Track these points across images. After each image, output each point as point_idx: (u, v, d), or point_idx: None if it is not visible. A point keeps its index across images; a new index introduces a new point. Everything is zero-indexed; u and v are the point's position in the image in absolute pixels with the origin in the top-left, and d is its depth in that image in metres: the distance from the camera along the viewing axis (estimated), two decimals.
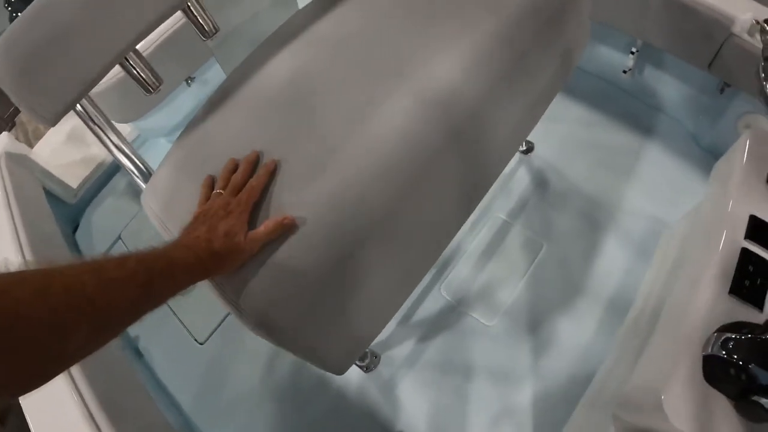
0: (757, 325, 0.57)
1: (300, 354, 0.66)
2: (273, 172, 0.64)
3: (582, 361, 1.13)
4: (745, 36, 1.03)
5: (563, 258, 1.27)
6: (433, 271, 1.29)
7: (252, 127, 0.72)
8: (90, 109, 0.77)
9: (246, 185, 0.62)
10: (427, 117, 0.67)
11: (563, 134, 1.46)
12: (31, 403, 0.80)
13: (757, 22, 1.02)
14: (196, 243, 0.54)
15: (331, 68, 0.75)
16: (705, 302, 0.61)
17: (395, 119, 0.67)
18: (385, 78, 0.71)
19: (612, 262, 1.24)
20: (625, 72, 1.41)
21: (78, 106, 0.75)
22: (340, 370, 0.72)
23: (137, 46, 0.78)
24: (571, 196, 1.35)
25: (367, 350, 1.18)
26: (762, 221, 0.66)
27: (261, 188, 0.62)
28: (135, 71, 0.80)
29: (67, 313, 0.38)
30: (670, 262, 1.01)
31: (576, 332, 1.16)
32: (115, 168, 1.73)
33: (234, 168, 0.65)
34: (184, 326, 1.37)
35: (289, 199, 0.62)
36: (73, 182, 1.68)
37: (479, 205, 0.85)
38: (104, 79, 0.80)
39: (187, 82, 1.62)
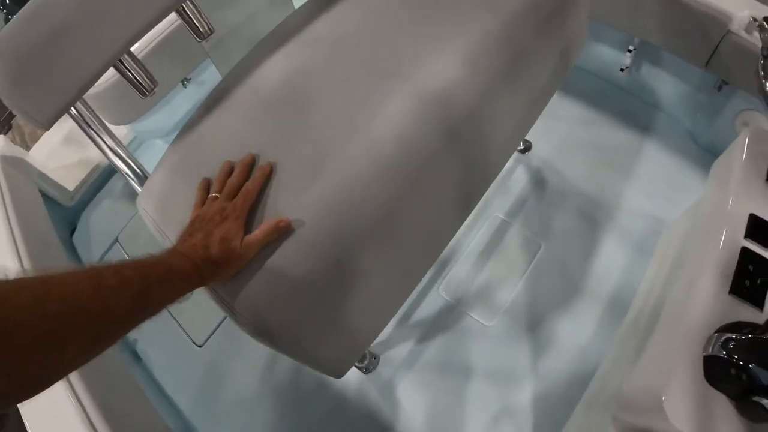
0: (757, 325, 0.56)
1: (298, 358, 0.66)
2: (269, 175, 0.63)
3: (581, 360, 1.13)
4: (743, 33, 1.03)
5: (562, 257, 1.26)
6: (431, 271, 1.29)
7: (248, 129, 0.71)
8: (85, 112, 0.76)
9: (242, 188, 0.62)
10: (425, 117, 0.67)
11: (561, 133, 1.45)
12: (28, 406, 0.80)
13: (755, 20, 1.01)
14: (193, 250, 0.54)
15: (327, 69, 0.75)
16: (705, 302, 0.60)
17: (393, 119, 0.66)
18: (382, 78, 0.70)
19: (611, 261, 1.24)
20: (622, 70, 1.41)
21: (73, 109, 0.75)
22: (340, 374, 0.71)
23: (132, 48, 0.78)
24: (569, 195, 1.35)
25: (366, 351, 1.18)
26: (762, 220, 0.66)
27: (257, 191, 0.62)
28: (130, 73, 0.79)
29: (64, 321, 0.38)
30: (669, 262, 1.01)
31: (575, 332, 1.16)
32: (112, 170, 1.72)
33: (230, 171, 0.65)
34: (182, 329, 1.37)
35: (285, 202, 0.62)
36: (70, 185, 1.67)
37: (477, 204, 0.85)
38: (100, 81, 0.79)
39: (183, 84, 1.62)
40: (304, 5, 0.87)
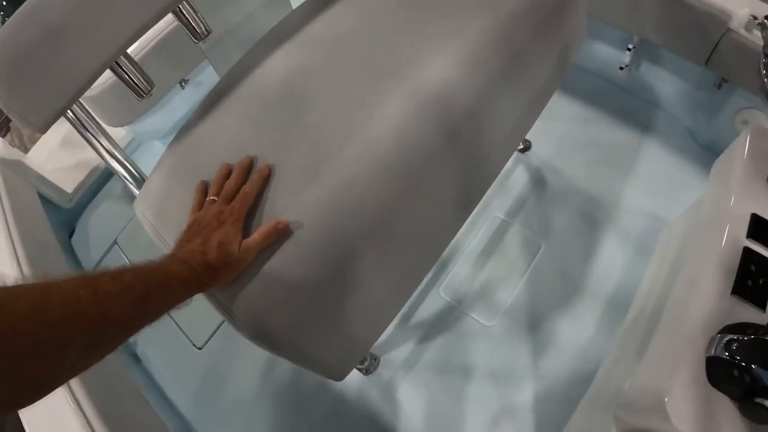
0: (760, 326, 0.56)
1: (298, 362, 0.65)
2: (267, 178, 0.63)
3: (582, 360, 1.13)
4: (743, 31, 1.03)
5: (562, 257, 1.26)
6: (431, 271, 1.28)
7: (246, 130, 0.71)
8: (81, 114, 0.76)
9: (239, 191, 0.61)
10: (425, 117, 0.67)
11: (560, 132, 1.45)
12: (27, 409, 0.79)
13: (755, 18, 1.01)
14: (191, 256, 0.54)
15: (325, 69, 0.74)
16: (707, 303, 0.60)
17: (392, 120, 0.66)
18: (381, 78, 0.70)
19: (611, 260, 1.23)
20: (621, 68, 1.40)
21: (69, 112, 0.74)
22: (340, 377, 0.71)
23: (129, 50, 0.77)
24: (569, 195, 1.35)
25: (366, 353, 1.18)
26: (764, 220, 0.66)
27: (254, 194, 0.61)
28: (126, 75, 0.79)
29: (63, 328, 0.38)
30: (669, 261, 1.00)
31: (576, 332, 1.16)
32: (111, 172, 1.71)
33: (227, 173, 0.64)
34: (182, 331, 1.36)
35: (284, 204, 0.61)
36: (69, 187, 1.67)
37: (477, 204, 0.84)
38: (98, 83, 0.79)
39: (181, 85, 1.61)
40: (302, 5, 0.87)
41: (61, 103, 0.70)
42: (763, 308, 0.60)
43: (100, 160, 1.53)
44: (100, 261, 1.58)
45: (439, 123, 0.67)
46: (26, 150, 1.77)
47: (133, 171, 0.82)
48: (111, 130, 1.59)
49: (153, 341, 1.39)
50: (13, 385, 0.35)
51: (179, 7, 0.83)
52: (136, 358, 1.39)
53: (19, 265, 1.10)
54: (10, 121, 1.96)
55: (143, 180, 0.81)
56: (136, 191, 0.80)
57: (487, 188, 0.83)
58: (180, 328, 1.37)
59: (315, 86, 0.72)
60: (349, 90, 0.70)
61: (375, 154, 0.64)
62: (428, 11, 0.76)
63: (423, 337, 1.21)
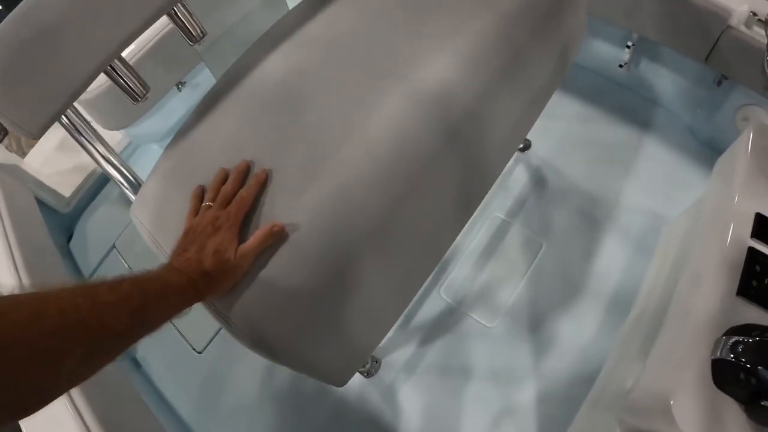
0: (766, 327, 0.55)
1: (298, 368, 0.64)
2: (264, 182, 0.62)
3: (583, 360, 1.12)
4: (743, 28, 1.02)
5: (563, 257, 1.25)
6: (432, 273, 1.28)
7: (242, 132, 0.70)
8: (76, 119, 0.75)
9: (236, 196, 0.60)
10: (424, 117, 0.66)
11: (560, 131, 1.44)
12: None
13: (754, 14, 1.00)
14: (188, 265, 0.53)
15: (323, 69, 0.73)
16: (712, 304, 0.59)
17: (391, 120, 0.65)
18: (379, 78, 0.69)
19: (611, 259, 1.23)
20: (621, 66, 1.40)
21: (63, 117, 0.73)
22: (341, 382, 0.70)
23: (124, 53, 0.76)
24: (569, 194, 1.34)
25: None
26: None
27: (251, 199, 0.60)
28: (121, 79, 0.78)
29: (61, 337, 0.38)
30: (671, 260, 1.00)
31: (577, 331, 1.15)
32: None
33: (224, 178, 0.63)
34: (182, 335, 1.35)
35: (281, 207, 0.60)
36: (66, 191, 1.66)
37: None
38: (93, 87, 0.78)
39: (178, 87, 1.60)
40: (298, 6, 0.86)
41: (55, 107, 0.69)
42: None
43: None
44: (98, 265, 1.57)
45: (439, 123, 0.67)
46: (24, 154, 1.76)
47: (129, 176, 0.81)
48: (107, 134, 1.59)
49: (153, 346, 1.38)
50: (12, 394, 0.35)
51: (174, 10, 0.82)
52: (136, 363, 1.38)
53: (16, 270, 1.09)
54: None
55: (139, 185, 0.80)
56: (132, 196, 0.79)
57: (488, 189, 0.82)
58: (180, 332, 1.36)
59: (312, 86, 0.72)
60: (347, 90, 0.70)
61: (374, 154, 0.63)
62: (426, 11, 0.76)
63: (424, 338, 1.20)
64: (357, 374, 1.18)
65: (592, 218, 1.29)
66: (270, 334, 0.57)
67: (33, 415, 0.37)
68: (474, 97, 0.69)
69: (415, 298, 1.24)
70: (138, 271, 0.49)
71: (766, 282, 0.60)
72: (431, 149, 0.66)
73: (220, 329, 1.34)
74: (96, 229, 1.66)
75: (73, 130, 0.76)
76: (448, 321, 1.21)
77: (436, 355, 1.18)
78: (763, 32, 0.99)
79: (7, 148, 1.77)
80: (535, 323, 1.18)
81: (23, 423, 0.78)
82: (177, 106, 1.65)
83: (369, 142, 0.64)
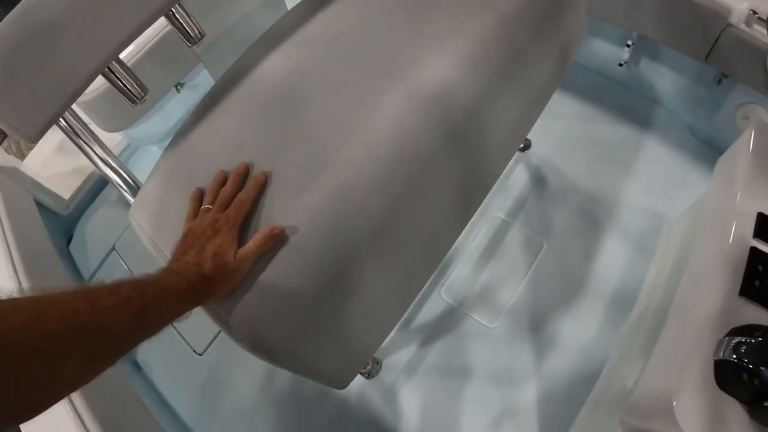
0: None
1: (298, 372, 0.64)
2: (263, 185, 0.62)
3: (585, 360, 1.12)
4: (743, 26, 1.02)
5: (563, 256, 1.25)
6: (433, 274, 1.28)
7: (242, 133, 0.70)
8: (73, 122, 0.74)
9: (235, 199, 0.60)
10: (424, 117, 0.65)
11: (560, 130, 1.44)
12: None
13: (754, 12, 1.00)
14: (187, 268, 0.53)
15: (323, 69, 0.73)
16: (714, 304, 0.59)
17: (391, 120, 0.65)
18: (379, 78, 0.69)
19: (612, 258, 1.23)
20: (620, 65, 1.40)
21: (61, 120, 0.73)
22: (342, 385, 0.70)
23: (123, 55, 0.76)
24: (569, 193, 1.34)
25: None
26: None
27: (250, 202, 0.60)
28: (119, 81, 0.77)
29: (61, 341, 0.38)
30: (672, 259, 0.99)
31: (578, 331, 1.15)
32: None
33: (223, 180, 0.63)
34: (182, 337, 1.35)
35: (280, 209, 0.60)
36: (65, 193, 1.66)
37: None
38: (91, 89, 0.78)
39: (177, 88, 1.60)
40: (297, 6, 0.85)
41: (52, 110, 0.69)
42: None
43: None
44: (98, 268, 1.57)
45: (439, 123, 0.66)
46: (23, 156, 1.76)
47: (128, 178, 0.81)
48: (106, 136, 1.59)
49: (153, 348, 1.36)
50: (12, 397, 0.34)
51: (172, 11, 0.82)
52: (137, 366, 1.38)
53: (16, 273, 1.09)
54: None
55: (138, 187, 0.80)
56: (131, 199, 0.79)
57: (489, 189, 0.82)
58: (180, 334, 1.36)
59: (312, 86, 0.71)
60: (347, 90, 0.69)
61: (374, 154, 0.63)
62: (426, 11, 0.75)
63: (425, 339, 1.20)
64: (358, 376, 1.17)
65: (592, 218, 1.29)
66: (270, 338, 0.57)
67: (32, 419, 0.37)
68: (474, 97, 0.69)
69: (415, 299, 1.24)
70: (138, 275, 0.49)
71: None
72: (431, 149, 0.65)
73: (220, 331, 1.33)
74: (96, 231, 1.66)
75: (71, 133, 0.75)
76: (448, 322, 1.21)
77: (437, 355, 1.18)
78: (764, 30, 0.99)
79: (6, 150, 1.76)
80: (536, 323, 1.18)
81: (23, 426, 0.77)
82: (176, 108, 1.65)
83: (369, 142, 0.64)
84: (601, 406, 0.96)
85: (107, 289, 0.44)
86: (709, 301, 0.60)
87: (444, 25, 0.73)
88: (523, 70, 0.75)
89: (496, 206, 1.34)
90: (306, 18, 0.80)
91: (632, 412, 0.67)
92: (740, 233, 0.63)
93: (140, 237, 0.70)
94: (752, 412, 0.54)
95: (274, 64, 0.76)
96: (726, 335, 0.56)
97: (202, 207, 0.61)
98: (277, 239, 0.57)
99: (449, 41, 0.71)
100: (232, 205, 0.59)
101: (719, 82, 1.22)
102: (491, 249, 1.29)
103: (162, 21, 0.80)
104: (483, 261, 1.27)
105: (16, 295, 0.38)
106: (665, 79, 1.37)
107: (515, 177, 1.39)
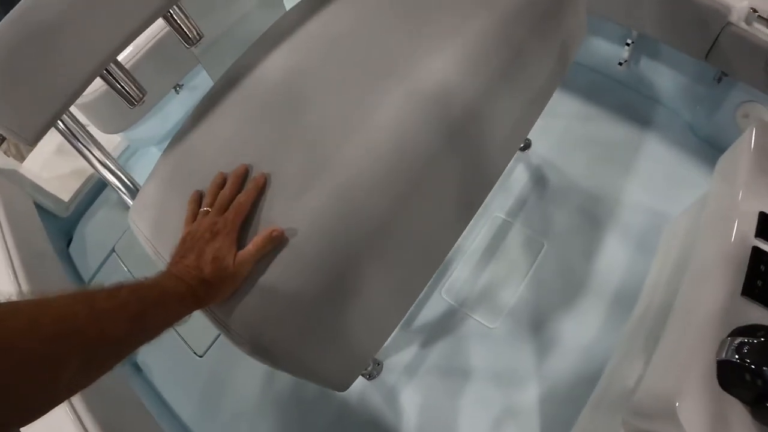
0: None
1: (299, 374, 0.64)
2: (262, 187, 0.61)
3: (586, 360, 1.12)
4: (743, 25, 1.01)
5: (564, 256, 1.25)
6: (434, 275, 1.28)
7: (241, 134, 0.70)
8: (72, 125, 0.74)
9: (233, 202, 0.60)
10: (424, 117, 0.65)
11: (560, 129, 1.44)
12: None
13: (754, 11, 1.00)
14: (186, 272, 0.52)
15: (322, 69, 0.73)
16: (717, 305, 0.59)
17: (391, 120, 0.65)
18: (379, 78, 0.69)
19: (613, 258, 1.22)
20: (620, 64, 1.39)
21: (59, 122, 0.72)
22: (343, 387, 0.69)
23: (121, 57, 0.76)
24: (570, 193, 1.33)
25: None
26: None
27: (249, 204, 0.59)
28: (117, 84, 0.77)
29: (59, 344, 0.38)
30: (673, 258, 0.99)
31: (580, 331, 1.15)
32: None
33: (222, 182, 0.63)
34: (182, 339, 1.35)
35: (280, 211, 0.60)
36: (65, 195, 1.65)
37: None
38: (90, 91, 0.78)
39: (176, 90, 1.60)
40: (296, 6, 0.85)
41: (51, 112, 0.68)
42: None
43: None
44: (98, 270, 1.57)
45: (439, 123, 0.66)
46: (22, 159, 1.76)
47: (126, 181, 0.81)
48: (105, 138, 1.59)
49: (153, 350, 1.35)
50: (10, 401, 0.34)
51: (170, 12, 0.82)
52: (137, 367, 1.38)
53: (15, 275, 1.08)
54: None
55: (137, 190, 0.80)
56: (129, 202, 0.78)
57: (490, 189, 0.81)
58: (180, 336, 1.36)
59: (312, 87, 0.71)
60: (347, 90, 0.69)
61: (374, 154, 0.63)
62: (426, 11, 0.75)
63: (425, 340, 1.20)
64: (359, 377, 1.17)
65: (593, 217, 1.29)
66: (270, 341, 0.56)
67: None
68: (474, 96, 0.69)
69: (416, 300, 1.24)
70: (137, 279, 0.49)
71: None
72: (432, 149, 0.65)
73: (220, 334, 1.33)
74: (95, 234, 1.66)
75: (70, 136, 0.75)
76: (449, 322, 1.21)
77: (437, 356, 1.18)
78: (764, 29, 0.98)
79: (5, 152, 1.77)
80: (537, 323, 1.17)
81: (23, 430, 0.77)
82: (175, 109, 1.65)
83: (369, 142, 0.63)
84: (603, 406, 0.95)
85: (105, 292, 0.44)
86: (710, 302, 0.59)
87: (444, 24, 0.72)
88: (523, 69, 0.75)
89: (496, 206, 1.34)
90: (305, 18, 0.80)
91: (634, 413, 0.67)
92: (742, 233, 0.63)
93: (139, 240, 0.69)
94: (755, 413, 0.53)
95: (273, 65, 0.76)
96: (728, 335, 0.56)
97: (201, 210, 0.61)
98: (277, 241, 0.57)
99: (449, 41, 0.70)
100: (231, 207, 0.59)
101: (719, 80, 1.21)
102: (492, 249, 1.28)
103: (160, 22, 0.80)
104: (483, 261, 1.27)
105: (14, 298, 0.38)
106: (665, 78, 1.37)
107: (515, 176, 1.38)
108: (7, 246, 1.16)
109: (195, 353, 1.33)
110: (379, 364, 1.17)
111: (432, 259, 0.74)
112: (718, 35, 1.05)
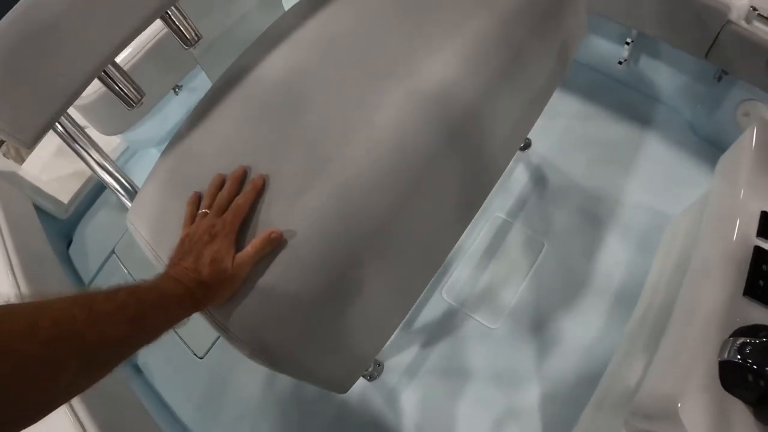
0: None
1: (299, 377, 0.63)
2: (261, 189, 0.61)
3: (587, 360, 1.11)
4: (743, 23, 1.01)
5: (565, 256, 1.25)
6: (434, 275, 1.27)
7: (240, 134, 0.69)
8: (70, 127, 0.74)
9: (232, 203, 0.59)
10: (424, 117, 0.65)
11: (560, 129, 1.44)
12: None
13: (754, 9, 0.99)
14: (185, 274, 0.52)
15: (322, 69, 0.73)
16: (718, 305, 0.58)
17: (391, 120, 0.64)
18: (379, 78, 0.68)
19: (614, 257, 1.22)
20: (620, 63, 1.39)
21: (58, 125, 0.72)
22: (343, 389, 0.69)
23: (120, 58, 0.76)
24: (570, 192, 1.33)
25: None
26: None
27: (248, 206, 0.59)
28: (116, 85, 0.77)
29: (58, 347, 0.38)
30: (674, 258, 0.99)
31: (581, 331, 1.15)
32: None
33: (220, 184, 0.62)
34: (183, 341, 1.35)
35: (279, 212, 0.59)
36: (65, 197, 1.65)
37: None
38: (88, 92, 0.77)
39: (175, 91, 1.59)
40: (295, 6, 0.85)
41: (49, 114, 0.68)
42: None
43: None
44: (97, 271, 1.56)
45: (439, 123, 0.66)
46: (22, 160, 1.75)
47: (125, 183, 0.80)
48: (104, 139, 1.58)
49: (154, 352, 1.35)
50: (8, 404, 0.34)
51: (168, 13, 0.81)
52: (137, 369, 1.37)
53: (15, 278, 1.08)
54: None
55: (135, 191, 0.79)
56: (128, 203, 0.78)
57: (490, 189, 0.81)
58: (181, 337, 1.35)
59: (311, 87, 0.71)
60: (346, 90, 0.69)
61: (374, 154, 0.62)
62: (425, 11, 0.75)
63: (426, 341, 1.19)
64: (360, 378, 1.17)
65: (593, 216, 1.28)
66: (269, 343, 0.56)
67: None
68: (474, 96, 0.68)
69: (416, 301, 1.23)
70: (135, 281, 0.49)
71: None
72: (432, 149, 0.65)
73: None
74: (95, 235, 1.65)
75: (68, 138, 0.75)
76: (450, 323, 1.21)
77: (438, 357, 1.17)
78: (764, 27, 0.98)
79: (4, 154, 1.76)
80: (538, 323, 1.17)
81: None
82: (174, 110, 1.64)
83: (369, 142, 0.63)
84: (604, 406, 0.95)
85: (104, 294, 0.44)
86: (712, 302, 0.59)
87: (444, 24, 0.72)
88: (523, 69, 0.75)
89: (496, 206, 1.34)
90: (304, 18, 0.80)
91: (636, 413, 0.67)
92: (744, 232, 0.63)
93: (137, 241, 0.69)
94: (758, 414, 0.53)
95: (273, 65, 0.75)
96: (730, 336, 0.56)
97: (200, 211, 0.60)
98: (275, 243, 0.57)
99: (449, 41, 0.70)
100: (230, 209, 0.59)
101: (719, 79, 1.21)
102: (492, 249, 1.28)
103: (159, 24, 0.80)
104: (484, 261, 1.27)
105: (14, 300, 0.38)
106: (665, 77, 1.37)
107: (516, 176, 1.38)
108: (7, 248, 1.15)
109: (195, 355, 1.33)
110: (379, 365, 1.17)
111: (432, 260, 0.74)
112: (718, 34, 1.04)
